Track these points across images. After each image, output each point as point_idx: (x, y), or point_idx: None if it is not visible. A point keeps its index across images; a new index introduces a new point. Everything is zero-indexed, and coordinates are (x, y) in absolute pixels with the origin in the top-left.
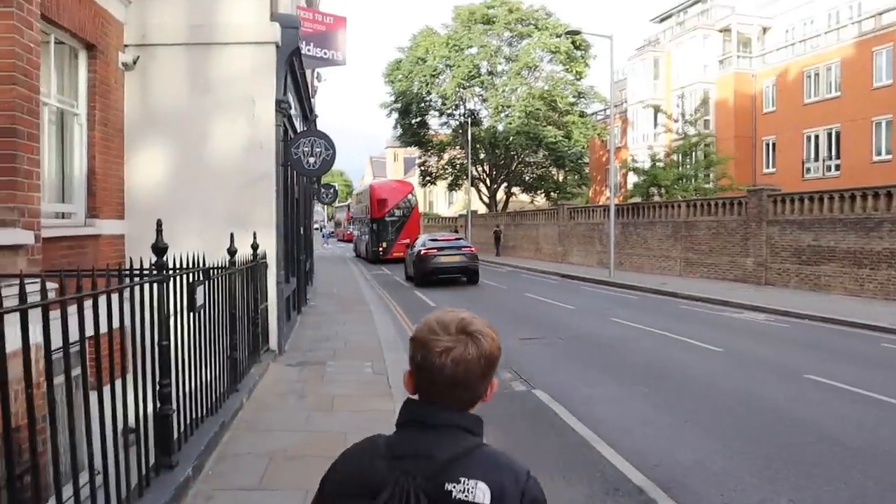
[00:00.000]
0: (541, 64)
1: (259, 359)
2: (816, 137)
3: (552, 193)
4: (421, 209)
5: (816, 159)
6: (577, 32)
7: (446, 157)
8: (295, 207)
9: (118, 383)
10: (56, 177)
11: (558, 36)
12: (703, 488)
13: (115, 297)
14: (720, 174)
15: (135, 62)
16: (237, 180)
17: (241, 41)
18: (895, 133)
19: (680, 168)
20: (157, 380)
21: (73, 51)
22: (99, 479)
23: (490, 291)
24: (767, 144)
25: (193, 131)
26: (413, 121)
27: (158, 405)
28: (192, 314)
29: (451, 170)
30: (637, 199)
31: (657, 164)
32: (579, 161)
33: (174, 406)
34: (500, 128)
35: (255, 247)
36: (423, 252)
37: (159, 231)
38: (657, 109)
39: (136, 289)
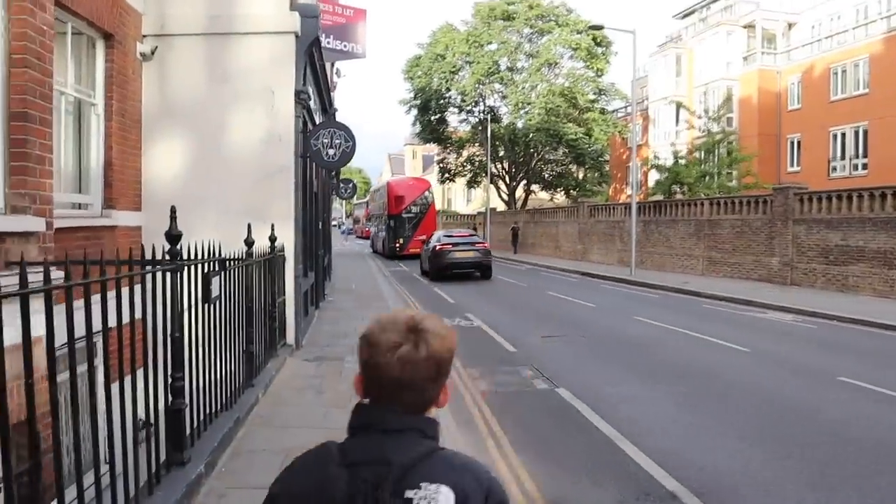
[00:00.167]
0: (561, 61)
1: (276, 353)
2: (843, 135)
3: (572, 191)
4: (439, 206)
5: (843, 158)
6: (600, 28)
7: (465, 154)
8: (314, 202)
9: (128, 378)
10: (73, 167)
11: (579, 32)
12: (739, 496)
13: (125, 287)
14: (744, 172)
15: (153, 52)
16: (255, 172)
17: (260, 31)
18: None
19: (703, 166)
20: (170, 373)
21: (91, 40)
22: (107, 478)
23: (510, 289)
24: (792, 142)
25: (211, 122)
26: (432, 117)
27: (171, 399)
28: (207, 306)
29: (469, 167)
30: (659, 197)
31: (680, 161)
32: (599, 159)
33: (187, 400)
34: (520, 125)
35: (272, 239)
36: (438, 248)
37: (173, 218)
38: (680, 105)
39: (148, 278)
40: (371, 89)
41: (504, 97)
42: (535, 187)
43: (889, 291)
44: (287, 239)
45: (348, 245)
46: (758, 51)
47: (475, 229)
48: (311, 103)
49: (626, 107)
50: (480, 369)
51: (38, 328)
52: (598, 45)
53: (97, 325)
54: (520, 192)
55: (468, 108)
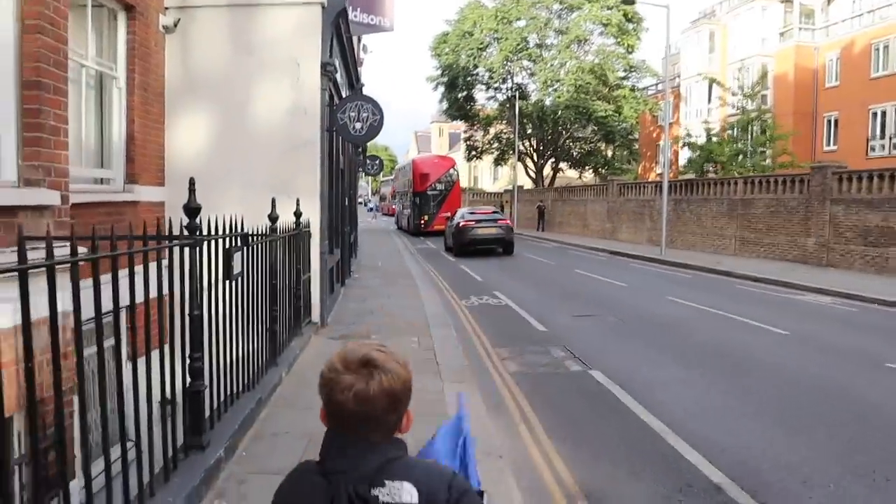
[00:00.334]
0: (591, 37)
1: (300, 332)
2: (884, 113)
3: (601, 170)
4: (465, 184)
5: (882, 136)
6: (632, 2)
7: (492, 131)
8: (340, 177)
9: (142, 359)
10: (95, 142)
11: (609, 8)
12: (790, 491)
13: (139, 264)
14: (780, 151)
15: (175, 24)
16: (280, 146)
17: (286, 1)
18: None
19: (738, 144)
20: (188, 353)
21: (112, 12)
22: (118, 466)
23: (538, 267)
24: (829, 121)
25: (235, 96)
26: (459, 95)
27: (189, 381)
28: (228, 283)
29: (497, 145)
30: (690, 176)
31: (713, 138)
32: (629, 136)
33: (207, 381)
34: (549, 102)
35: (297, 215)
36: (461, 224)
37: (192, 190)
38: (714, 82)
39: (165, 253)
40: (398, 66)
41: (532, 74)
42: (563, 165)
43: None
44: (313, 214)
45: (374, 222)
46: (795, 26)
47: (502, 207)
48: (338, 77)
49: (656, 84)
50: (509, 349)
51: (40, 308)
52: (628, 20)
53: (108, 304)
54: (547, 170)
55: (496, 85)
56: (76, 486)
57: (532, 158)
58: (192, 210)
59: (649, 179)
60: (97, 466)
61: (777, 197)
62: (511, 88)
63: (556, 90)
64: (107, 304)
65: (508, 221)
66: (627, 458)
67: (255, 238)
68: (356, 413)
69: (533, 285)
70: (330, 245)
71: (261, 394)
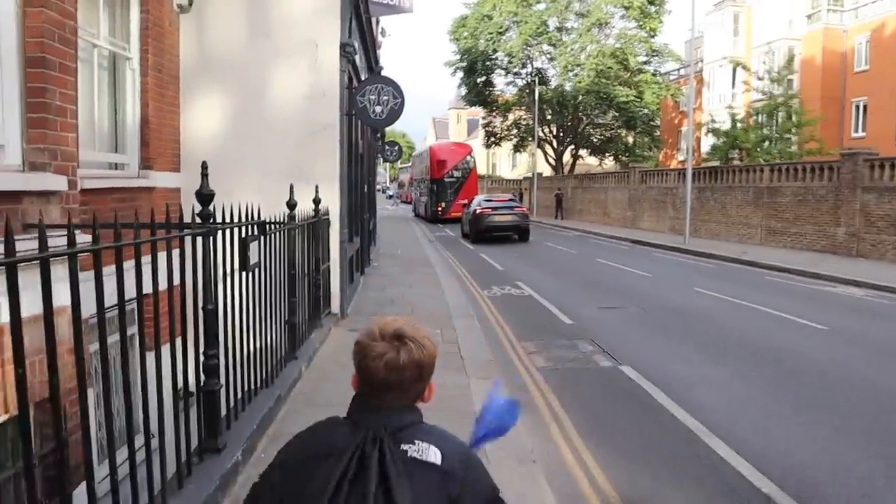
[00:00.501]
0: (612, 20)
1: (320, 323)
2: None
3: (621, 157)
4: (483, 171)
5: None
6: None
7: (511, 117)
8: (359, 163)
9: (151, 353)
10: (108, 125)
11: None
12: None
13: (146, 255)
14: (808, 137)
15: (190, 4)
16: (298, 131)
17: None
18: None
19: (764, 130)
20: (202, 350)
21: None
22: (126, 467)
23: (559, 255)
24: (857, 106)
25: (252, 78)
26: (478, 79)
27: (203, 379)
28: (245, 274)
29: (516, 131)
30: (714, 163)
31: (738, 124)
32: (651, 123)
33: (223, 379)
34: (569, 87)
35: (317, 202)
36: (478, 211)
37: (204, 175)
38: (739, 65)
39: (176, 243)
40: (415, 52)
41: (552, 59)
42: (583, 152)
43: None
44: (332, 201)
45: (392, 209)
46: (823, 8)
47: (521, 195)
48: (357, 59)
49: (678, 69)
50: (535, 343)
51: (34, 303)
52: (650, 3)
53: (117, 298)
54: (567, 158)
55: (515, 69)
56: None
57: (551, 145)
58: (204, 196)
59: (671, 167)
60: (102, 470)
61: (805, 185)
62: (531, 73)
63: (576, 75)
64: (114, 298)
65: (525, 209)
66: (666, 462)
67: (272, 226)
68: (385, 380)
69: (555, 275)
70: (350, 233)
71: (279, 390)
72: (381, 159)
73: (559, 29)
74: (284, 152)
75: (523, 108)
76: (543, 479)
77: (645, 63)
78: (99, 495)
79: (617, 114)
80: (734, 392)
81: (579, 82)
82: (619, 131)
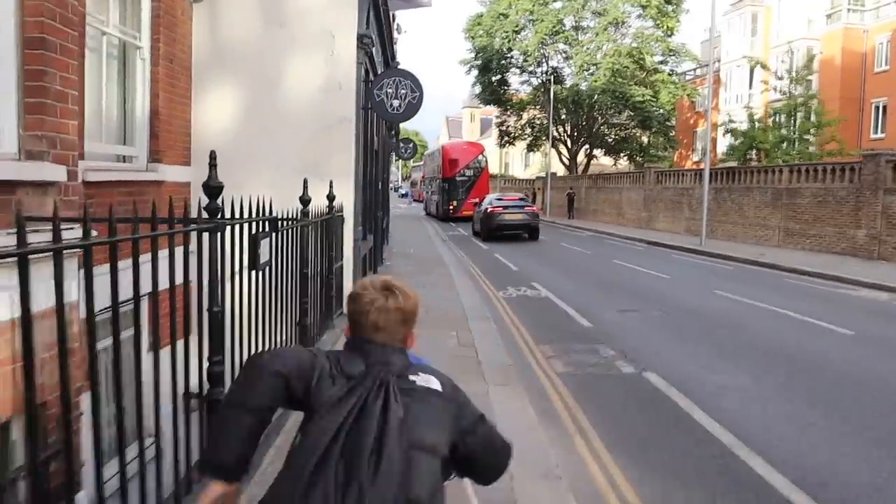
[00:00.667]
0: (629, 19)
1: (332, 324)
2: None
3: (636, 157)
4: (496, 171)
5: None
6: None
7: (525, 117)
8: (375, 159)
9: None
10: (117, 116)
11: None
12: None
13: (145, 253)
14: (828, 137)
15: None
16: (313, 124)
17: None
18: None
19: (783, 130)
20: (207, 356)
21: None
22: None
23: (574, 256)
24: (877, 107)
25: (266, 69)
26: (493, 78)
27: (207, 388)
28: (255, 273)
29: (530, 130)
30: (732, 163)
31: (757, 124)
32: (666, 123)
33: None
34: (584, 86)
35: (331, 198)
36: (489, 210)
37: (213, 165)
38: (759, 64)
39: (179, 240)
40: (429, 51)
41: (568, 58)
42: (597, 152)
43: None
44: (346, 198)
45: (405, 208)
46: (843, 8)
47: (534, 194)
48: (374, 52)
49: (695, 69)
50: (554, 346)
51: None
52: (668, 2)
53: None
54: (581, 157)
55: (530, 68)
56: None
57: (565, 145)
58: (212, 189)
59: (685, 167)
60: (91, 483)
61: (825, 186)
62: (546, 72)
63: (592, 74)
64: (109, 299)
65: (535, 208)
66: (701, 481)
67: (285, 222)
68: (375, 322)
69: (571, 276)
70: (364, 231)
71: None
72: (395, 157)
73: (575, 28)
74: (298, 146)
75: (537, 107)
76: (572, 498)
77: (661, 63)
78: None
79: (632, 113)
80: (765, 401)
81: (595, 81)
82: (633, 131)
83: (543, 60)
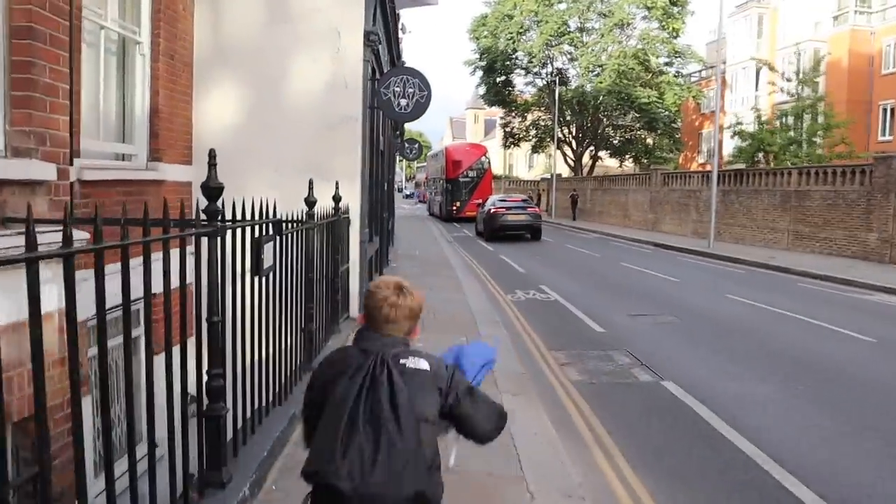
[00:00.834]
0: (634, 21)
1: (337, 328)
2: None
3: (642, 158)
4: (500, 172)
5: None
6: None
7: (530, 118)
8: (381, 159)
9: (148, 368)
10: (115, 113)
11: None
12: None
13: (135, 258)
14: (837, 140)
15: None
16: (318, 124)
17: None
18: None
19: (791, 132)
20: (206, 369)
21: None
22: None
23: (581, 258)
24: (885, 109)
25: (270, 67)
26: (497, 79)
27: (206, 403)
28: (258, 279)
29: (534, 132)
30: (739, 165)
31: (764, 126)
32: (672, 125)
33: (229, 403)
34: (589, 88)
35: (336, 199)
36: (492, 210)
37: (212, 164)
38: (766, 65)
39: (175, 244)
40: (434, 51)
41: (573, 59)
42: (602, 153)
43: None
44: (352, 199)
45: (408, 208)
46: (850, 9)
47: (539, 196)
48: (380, 50)
49: (700, 70)
50: (567, 353)
51: None
52: (673, 3)
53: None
54: (586, 159)
55: (535, 70)
56: None
57: (570, 146)
58: (211, 190)
59: (691, 169)
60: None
61: (835, 189)
62: (551, 73)
63: (597, 76)
64: (107, 306)
65: (537, 210)
66: (729, 499)
67: (289, 225)
68: (387, 315)
69: (579, 278)
70: (370, 233)
71: (294, 408)
72: (400, 157)
73: (580, 29)
74: (303, 146)
75: (542, 108)
76: None
77: (667, 64)
78: None
79: (637, 115)
80: (788, 410)
81: (600, 83)
82: (639, 133)
83: (548, 62)
